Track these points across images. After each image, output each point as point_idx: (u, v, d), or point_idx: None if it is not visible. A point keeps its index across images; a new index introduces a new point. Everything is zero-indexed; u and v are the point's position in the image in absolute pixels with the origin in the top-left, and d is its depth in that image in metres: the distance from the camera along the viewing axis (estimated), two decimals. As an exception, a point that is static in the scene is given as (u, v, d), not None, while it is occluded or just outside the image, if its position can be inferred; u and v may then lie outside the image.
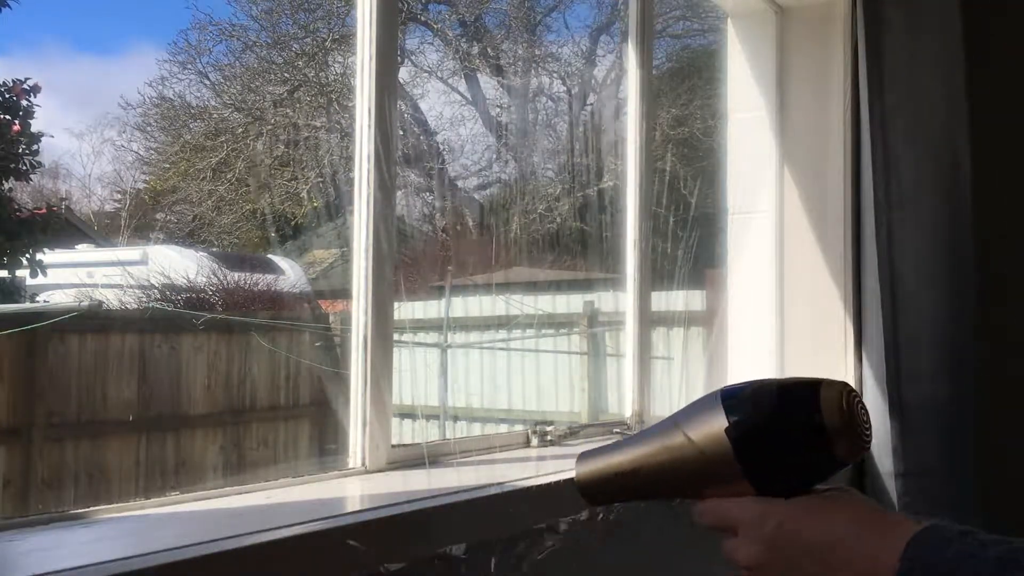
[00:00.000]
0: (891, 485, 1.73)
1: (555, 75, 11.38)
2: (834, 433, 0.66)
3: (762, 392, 0.70)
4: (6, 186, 5.46)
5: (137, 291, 6.86)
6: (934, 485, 1.68)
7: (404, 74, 10.69)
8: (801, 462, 0.69)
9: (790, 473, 0.70)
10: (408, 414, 5.64)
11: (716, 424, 0.71)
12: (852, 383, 1.89)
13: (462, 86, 11.55)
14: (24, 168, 5.50)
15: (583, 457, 0.82)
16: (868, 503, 0.69)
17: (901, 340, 1.72)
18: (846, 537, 0.64)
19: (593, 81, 11.59)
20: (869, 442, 0.68)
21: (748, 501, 0.69)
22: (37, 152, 5.56)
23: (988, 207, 1.73)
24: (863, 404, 0.69)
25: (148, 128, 11.68)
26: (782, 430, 0.69)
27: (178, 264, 7.25)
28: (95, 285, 6.91)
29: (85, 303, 5.46)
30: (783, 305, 2.01)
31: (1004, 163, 1.79)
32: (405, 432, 5.66)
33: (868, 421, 0.68)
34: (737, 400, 0.71)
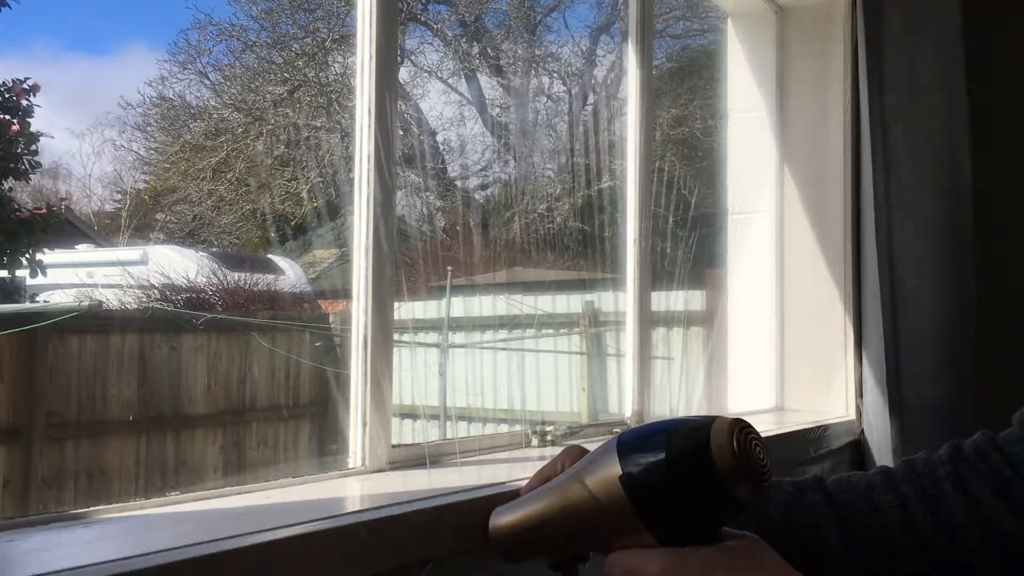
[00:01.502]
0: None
1: (555, 75, 11.39)
2: (728, 476, 0.63)
3: (653, 439, 0.67)
4: (6, 186, 5.46)
5: (137, 291, 6.86)
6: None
7: (404, 74, 10.69)
8: (700, 508, 0.66)
9: (690, 519, 0.67)
10: (408, 414, 5.64)
11: (611, 473, 0.68)
12: (852, 383, 1.89)
13: (462, 86, 11.56)
14: (24, 168, 5.50)
15: (496, 513, 0.80)
16: (773, 558, 0.66)
17: (901, 340, 1.72)
18: None
19: (593, 81, 11.59)
20: (768, 479, 0.65)
21: (653, 554, 0.66)
22: (37, 152, 5.56)
23: (988, 207, 1.73)
24: (758, 439, 0.66)
25: (148, 128, 11.69)
26: (675, 476, 0.65)
27: (178, 264, 7.25)
28: (95, 285, 6.92)
29: (85, 303, 5.46)
30: (783, 305, 2.01)
31: (1004, 163, 1.79)
32: (405, 432, 5.66)
33: (764, 457, 0.65)
34: (630, 447, 0.69)
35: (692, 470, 0.65)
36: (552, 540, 0.77)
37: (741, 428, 0.65)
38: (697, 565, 0.64)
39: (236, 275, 7.29)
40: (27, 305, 5.69)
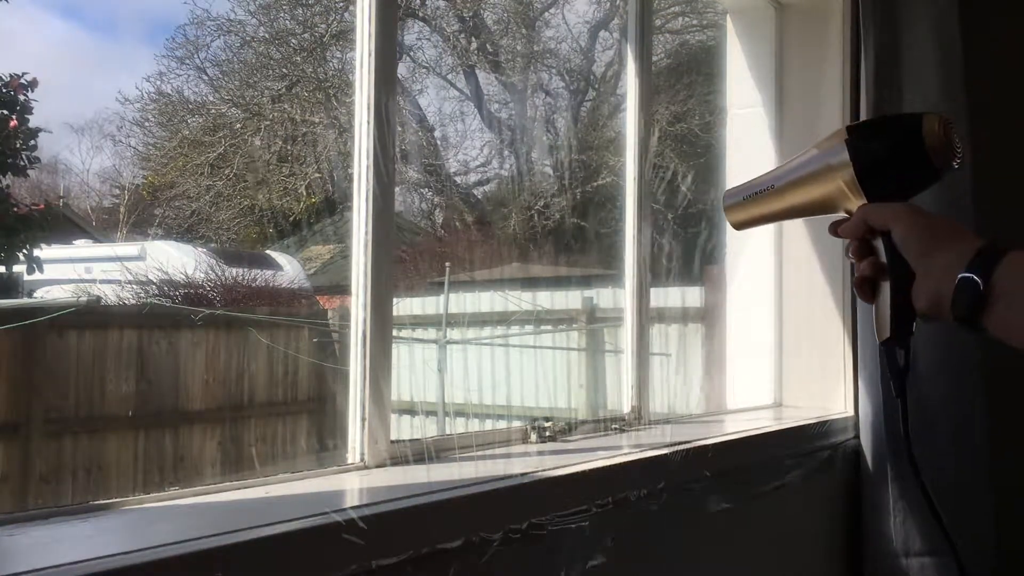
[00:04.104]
0: (886, 487, 1.73)
1: (554, 71, 11.37)
2: (933, 147, 0.83)
3: (875, 121, 0.97)
4: (4, 182, 5.45)
5: (135, 287, 6.85)
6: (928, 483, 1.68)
7: (403, 70, 10.67)
8: (908, 174, 0.87)
9: (898, 183, 0.87)
10: (407, 410, 5.64)
11: (839, 140, 0.89)
12: (850, 382, 1.90)
13: (461, 82, 11.54)
14: (22, 163, 5.48)
15: (728, 192, 1.02)
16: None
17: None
18: (951, 220, 0.85)
19: (592, 77, 11.58)
20: (960, 158, 0.85)
21: (894, 205, 0.85)
22: (35, 147, 5.55)
23: (988, 207, 1.73)
24: (956, 131, 0.84)
25: (146, 123, 11.66)
26: (893, 146, 0.87)
27: (176, 260, 7.24)
28: (93, 281, 6.91)
29: (83, 299, 5.45)
30: (782, 301, 2.01)
31: (1004, 163, 1.79)
32: (404, 428, 5.66)
33: (959, 142, 0.84)
34: (857, 125, 0.91)
35: (907, 141, 0.85)
36: (780, 206, 0.96)
37: (946, 119, 0.85)
38: (921, 212, 0.84)
39: (234, 271, 7.28)
40: (25, 301, 5.68)
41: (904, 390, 0.87)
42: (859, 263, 0.87)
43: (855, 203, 0.88)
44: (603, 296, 5.88)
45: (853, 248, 0.88)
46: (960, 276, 0.76)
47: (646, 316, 1.61)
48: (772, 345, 1.99)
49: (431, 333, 6.13)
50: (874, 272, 0.85)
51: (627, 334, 1.61)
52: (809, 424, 1.73)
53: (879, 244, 0.85)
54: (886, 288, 0.85)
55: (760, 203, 0.98)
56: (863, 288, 0.87)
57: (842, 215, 0.90)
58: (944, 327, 1.66)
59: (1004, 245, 0.77)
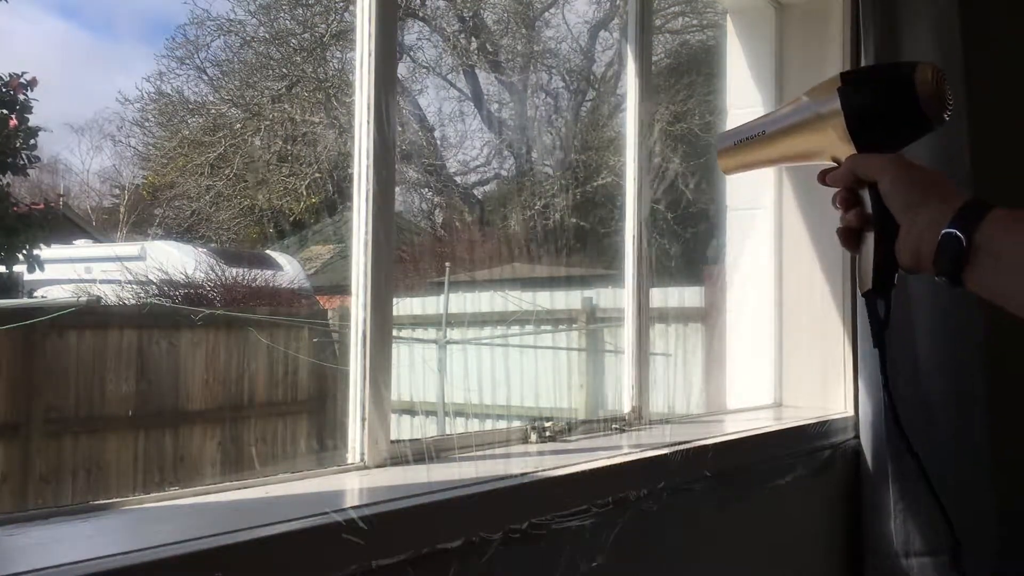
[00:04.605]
0: (887, 487, 1.73)
1: (554, 71, 11.37)
2: (925, 97, 0.83)
3: (868, 68, 0.93)
4: (3, 181, 5.44)
5: (135, 287, 6.85)
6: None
7: (403, 70, 10.66)
8: (899, 123, 0.86)
9: (888, 133, 0.86)
10: (407, 410, 5.64)
11: (831, 88, 0.87)
12: (850, 382, 1.90)
13: (461, 82, 11.54)
14: (21, 163, 5.48)
15: (721, 134, 1.00)
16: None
17: (897, 339, 1.72)
18: (940, 174, 0.84)
19: (592, 77, 11.57)
20: (951, 109, 0.84)
21: (881, 155, 0.85)
22: (35, 147, 5.54)
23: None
24: (948, 83, 0.85)
25: (146, 123, 11.66)
26: (883, 93, 0.86)
27: (176, 260, 7.24)
28: (93, 281, 6.91)
29: (83, 299, 5.45)
30: (782, 301, 2.01)
31: (1004, 162, 1.79)
32: (404, 428, 5.66)
33: (951, 93, 0.85)
34: (849, 73, 0.89)
35: (899, 91, 0.84)
36: (771, 153, 0.95)
37: (939, 69, 0.85)
38: (909, 164, 0.84)
39: (234, 271, 7.28)
40: (25, 301, 5.68)
41: (883, 342, 0.88)
42: (845, 213, 0.87)
43: (844, 152, 0.88)
44: (603, 296, 5.88)
45: (840, 197, 0.87)
46: (943, 231, 0.76)
47: (646, 316, 1.61)
48: (772, 345, 1.99)
49: (431, 333, 6.12)
50: (859, 223, 0.85)
51: (627, 334, 1.61)
52: (809, 424, 1.73)
53: (866, 195, 0.85)
54: (870, 239, 0.85)
55: (751, 149, 0.97)
56: (847, 238, 0.87)
57: (831, 164, 0.90)
58: (945, 329, 1.65)
59: (989, 202, 0.77)
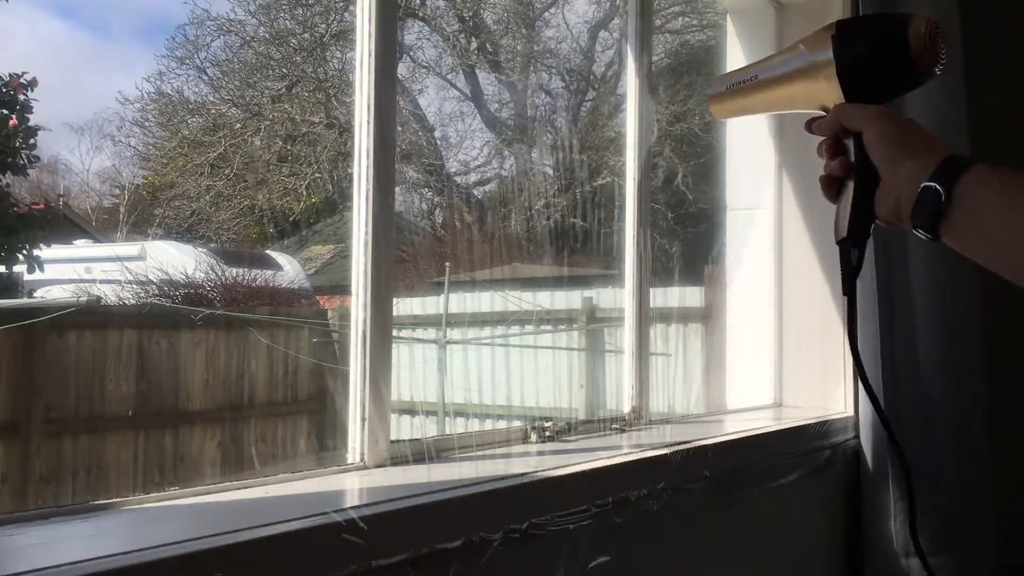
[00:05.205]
0: (887, 487, 1.73)
1: (554, 71, 11.37)
2: (917, 49, 0.82)
3: (862, 17, 0.88)
4: (3, 181, 5.45)
5: (135, 287, 6.85)
6: (926, 486, 1.68)
7: (403, 70, 10.66)
8: (889, 74, 0.85)
9: (879, 83, 0.85)
10: (407, 410, 5.64)
11: (825, 36, 0.87)
12: (850, 382, 1.90)
13: (460, 82, 11.54)
14: (21, 163, 5.48)
15: (716, 78, 0.99)
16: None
17: (897, 338, 1.72)
18: (925, 129, 0.84)
19: (592, 77, 11.57)
20: (943, 65, 0.84)
21: (868, 107, 0.84)
22: (34, 147, 5.55)
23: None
24: (943, 37, 0.83)
25: (146, 123, 11.67)
26: (876, 43, 0.85)
27: (176, 260, 7.24)
28: (93, 281, 6.91)
29: (83, 299, 5.45)
30: (782, 301, 2.01)
31: (1004, 163, 1.79)
32: (404, 428, 5.65)
33: (944, 48, 0.84)
34: (843, 21, 0.88)
35: (892, 44, 0.83)
36: (762, 99, 0.95)
37: (934, 22, 0.84)
38: (895, 117, 0.84)
39: (234, 271, 7.28)
40: (25, 301, 5.68)
41: (854, 290, 0.89)
42: (829, 161, 0.87)
43: (835, 101, 0.87)
44: (603, 296, 5.87)
45: (826, 145, 0.88)
46: (923, 184, 0.77)
47: (646, 316, 1.61)
48: (772, 345, 1.99)
49: (431, 333, 6.12)
50: (843, 171, 0.86)
51: (627, 334, 1.61)
52: (809, 424, 1.73)
53: (851, 144, 0.85)
54: (850, 188, 0.85)
55: (743, 95, 0.96)
56: (829, 187, 0.88)
57: (820, 112, 0.90)
58: (945, 328, 1.65)
59: (971, 158, 0.77)
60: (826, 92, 0.87)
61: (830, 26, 0.88)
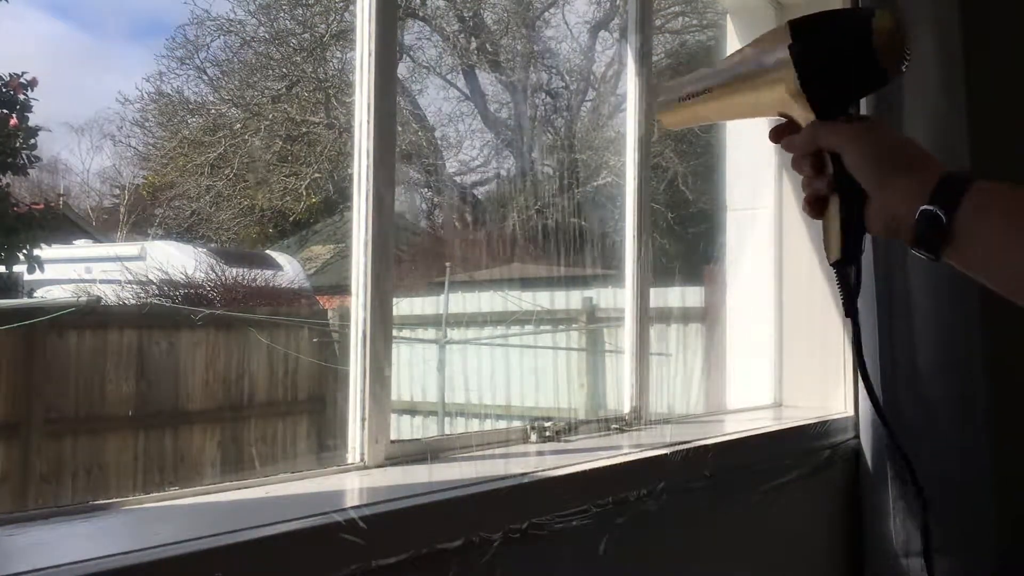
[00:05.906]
0: (886, 487, 1.73)
1: (554, 71, 11.36)
2: (881, 46, 0.76)
3: (822, 16, 0.80)
4: (3, 181, 5.45)
5: (135, 287, 6.86)
6: (926, 486, 1.67)
7: (402, 70, 10.66)
8: (853, 75, 0.79)
9: (843, 85, 0.80)
10: (407, 410, 5.64)
11: (779, 38, 0.80)
12: (850, 382, 1.90)
13: (460, 82, 11.54)
14: (21, 162, 5.49)
15: (665, 87, 0.94)
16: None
17: (896, 339, 1.72)
18: (910, 142, 0.80)
19: (592, 77, 11.57)
20: (908, 63, 0.78)
21: (843, 124, 0.79)
22: (35, 147, 5.55)
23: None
24: (908, 35, 0.79)
25: (146, 124, 11.67)
26: (838, 44, 0.79)
27: (176, 260, 7.24)
28: (93, 281, 6.92)
29: (83, 299, 5.45)
30: (782, 301, 2.01)
31: (1004, 163, 1.79)
32: (404, 428, 5.66)
33: (910, 47, 0.78)
34: (800, 21, 0.81)
35: (855, 42, 0.77)
36: (718, 111, 0.89)
37: (900, 17, 0.79)
38: (876, 133, 0.79)
39: (234, 271, 7.29)
40: (25, 301, 5.68)
41: (855, 309, 0.84)
42: (814, 178, 0.82)
43: (794, 107, 0.81)
44: (603, 296, 5.87)
45: (809, 163, 0.82)
46: (921, 208, 0.73)
47: (646, 316, 1.61)
48: (772, 345, 1.99)
49: (431, 333, 6.13)
50: (829, 190, 0.81)
51: (627, 334, 1.61)
52: (809, 424, 1.73)
53: (828, 160, 0.80)
54: (835, 205, 0.81)
55: (696, 106, 0.90)
56: (813, 206, 0.83)
57: (781, 120, 0.84)
58: (945, 328, 1.65)
59: (968, 173, 0.74)
60: (784, 98, 0.81)
61: (783, 27, 0.82)
